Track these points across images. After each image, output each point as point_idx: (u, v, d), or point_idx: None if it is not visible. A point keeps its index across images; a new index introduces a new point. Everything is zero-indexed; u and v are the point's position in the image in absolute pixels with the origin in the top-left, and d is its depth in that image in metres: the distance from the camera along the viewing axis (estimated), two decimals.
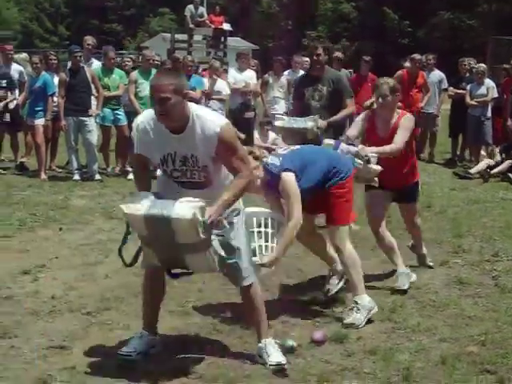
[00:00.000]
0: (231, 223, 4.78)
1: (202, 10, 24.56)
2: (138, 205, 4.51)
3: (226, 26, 25.45)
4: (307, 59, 15.88)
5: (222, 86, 13.35)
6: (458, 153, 14.98)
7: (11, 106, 12.58)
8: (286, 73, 14.74)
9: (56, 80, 12.20)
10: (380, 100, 6.39)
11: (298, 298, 6.32)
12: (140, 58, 13.96)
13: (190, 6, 23.93)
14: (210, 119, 4.58)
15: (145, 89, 11.64)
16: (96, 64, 13.03)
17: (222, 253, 4.69)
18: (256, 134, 12.32)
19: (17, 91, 12.79)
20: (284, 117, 8.64)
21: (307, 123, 7.69)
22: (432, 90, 14.42)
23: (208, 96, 12.96)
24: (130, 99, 11.80)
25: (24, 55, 15.69)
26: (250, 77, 13.96)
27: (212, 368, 4.83)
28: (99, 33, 53.50)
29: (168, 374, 4.70)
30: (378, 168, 6.20)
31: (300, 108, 8.53)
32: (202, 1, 28.04)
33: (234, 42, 31.91)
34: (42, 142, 12.17)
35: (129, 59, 14.49)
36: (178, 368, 4.79)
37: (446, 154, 15.20)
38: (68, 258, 7.36)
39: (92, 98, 11.99)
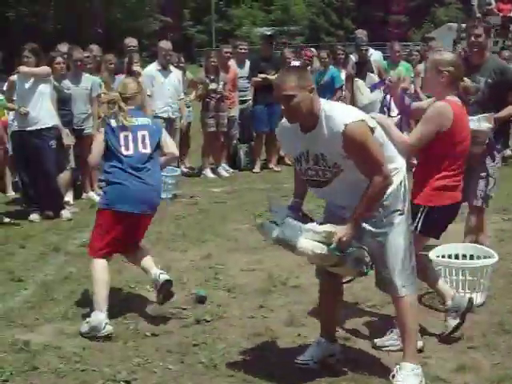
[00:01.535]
0: (391, 224, 4.48)
1: None
2: (272, 226, 4.50)
3: None
4: None
5: None
6: None
7: None
8: None
9: (343, 74, 12.43)
10: None
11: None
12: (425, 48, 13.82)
13: None
14: (337, 116, 4.31)
15: None
16: (376, 54, 13.07)
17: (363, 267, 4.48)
18: None
19: None
20: None
21: (481, 124, 6.23)
22: None
23: None
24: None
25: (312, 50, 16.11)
26: None
27: None
28: (384, 24, 53.77)
29: None
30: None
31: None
32: None
33: None
34: None
35: (416, 52, 14.40)
36: None
37: None
38: None
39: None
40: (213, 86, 11.76)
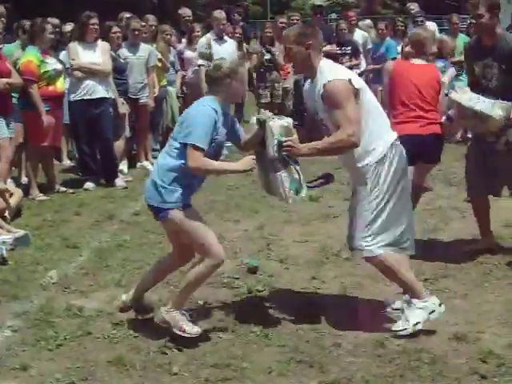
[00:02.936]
0: (360, 192, 4.78)
1: None
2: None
3: None
4: None
5: None
6: None
7: (357, 72, 12.86)
8: None
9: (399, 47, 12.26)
10: None
11: None
12: None
13: None
14: (326, 73, 4.66)
15: None
16: (432, 27, 12.89)
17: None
18: None
19: (362, 57, 13.01)
20: (468, 90, 6.01)
21: (494, 110, 5.73)
22: None
23: None
24: None
25: (368, 22, 15.93)
26: None
27: None
28: None
29: None
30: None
31: (475, 87, 6.12)
32: None
33: None
34: None
35: None
36: None
37: None
38: None
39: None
40: (267, 56, 11.74)
